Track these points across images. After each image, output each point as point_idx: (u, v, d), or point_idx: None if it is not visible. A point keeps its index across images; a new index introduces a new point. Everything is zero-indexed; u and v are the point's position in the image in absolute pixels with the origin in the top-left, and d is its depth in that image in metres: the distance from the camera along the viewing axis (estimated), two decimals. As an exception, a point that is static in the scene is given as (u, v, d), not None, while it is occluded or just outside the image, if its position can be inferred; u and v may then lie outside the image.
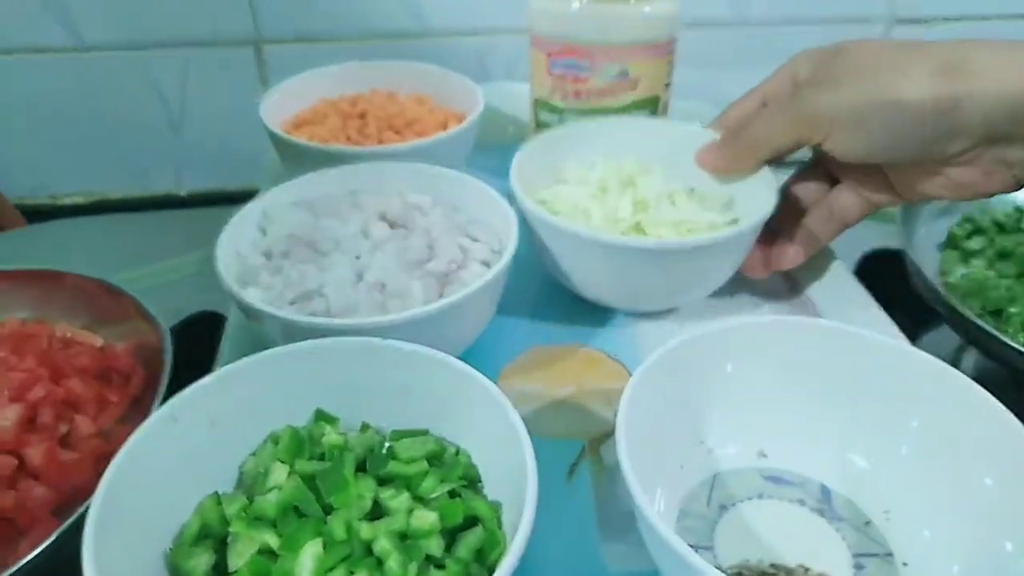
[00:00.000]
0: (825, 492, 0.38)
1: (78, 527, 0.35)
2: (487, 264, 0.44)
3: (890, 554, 0.35)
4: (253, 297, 0.41)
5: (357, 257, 0.43)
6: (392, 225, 0.47)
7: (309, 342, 0.36)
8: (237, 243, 0.45)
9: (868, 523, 0.36)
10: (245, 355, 0.36)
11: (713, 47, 0.80)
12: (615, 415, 0.42)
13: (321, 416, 0.37)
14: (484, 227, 0.46)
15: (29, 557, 0.33)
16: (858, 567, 0.35)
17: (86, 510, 0.35)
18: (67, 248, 0.70)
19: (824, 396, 0.38)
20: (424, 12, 0.75)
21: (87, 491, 0.35)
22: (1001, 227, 0.61)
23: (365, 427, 0.37)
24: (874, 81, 0.39)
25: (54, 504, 0.38)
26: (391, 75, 0.66)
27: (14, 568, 0.33)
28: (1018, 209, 0.62)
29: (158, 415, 0.33)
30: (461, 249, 0.45)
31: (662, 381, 0.36)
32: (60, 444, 0.40)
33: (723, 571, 0.34)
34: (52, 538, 0.34)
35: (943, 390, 0.35)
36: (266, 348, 0.36)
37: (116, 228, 0.75)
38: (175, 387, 0.41)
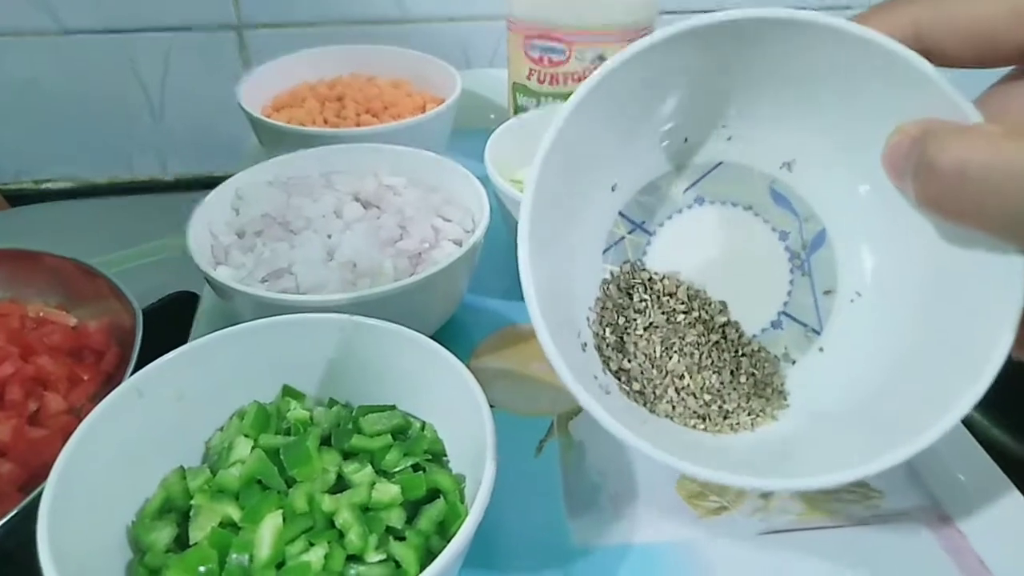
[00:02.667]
0: (818, 240, 0.33)
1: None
2: (459, 244, 0.44)
3: (817, 332, 0.33)
4: (224, 275, 0.41)
5: (329, 236, 0.44)
6: (365, 205, 0.47)
7: (276, 318, 0.36)
8: (210, 222, 0.45)
9: (829, 293, 0.33)
10: (219, 324, 0.36)
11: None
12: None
13: (288, 392, 0.37)
14: (457, 207, 0.46)
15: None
16: (774, 325, 0.33)
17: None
18: (50, 231, 0.70)
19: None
20: (406, -1, 0.75)
21: (56, 468, 0.36)
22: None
23: (332, 403, 0.37)
24: None
25: (21, 480, 0.38)
26: (370, 59, 0.66)
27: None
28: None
29: (122, 388, 0.33)
30: (433, 229, 0.45)
31: (596, 108, 0.29)
32: (29, 421, 0.40)
33: (646, 271, 0.33)
34: (13, 512, 0.34)
35: (920, 88, 0.27)
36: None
37: (99, 212, 0.74)
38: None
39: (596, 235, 0.33)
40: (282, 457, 0.32)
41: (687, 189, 0.34)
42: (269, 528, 0.30)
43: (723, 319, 0.33)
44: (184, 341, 0.45)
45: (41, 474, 0.38)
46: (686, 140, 0.33)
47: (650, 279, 0.33)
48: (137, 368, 0.40)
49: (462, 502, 0.32)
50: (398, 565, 0.30)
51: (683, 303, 0.33)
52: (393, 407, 0.36)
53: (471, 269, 0.43)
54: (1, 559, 0.38)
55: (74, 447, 0.30)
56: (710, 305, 0.33)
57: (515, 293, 0.50)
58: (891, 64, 0.26)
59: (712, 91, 0.31)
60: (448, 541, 0.29)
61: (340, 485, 0.32)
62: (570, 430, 0.41)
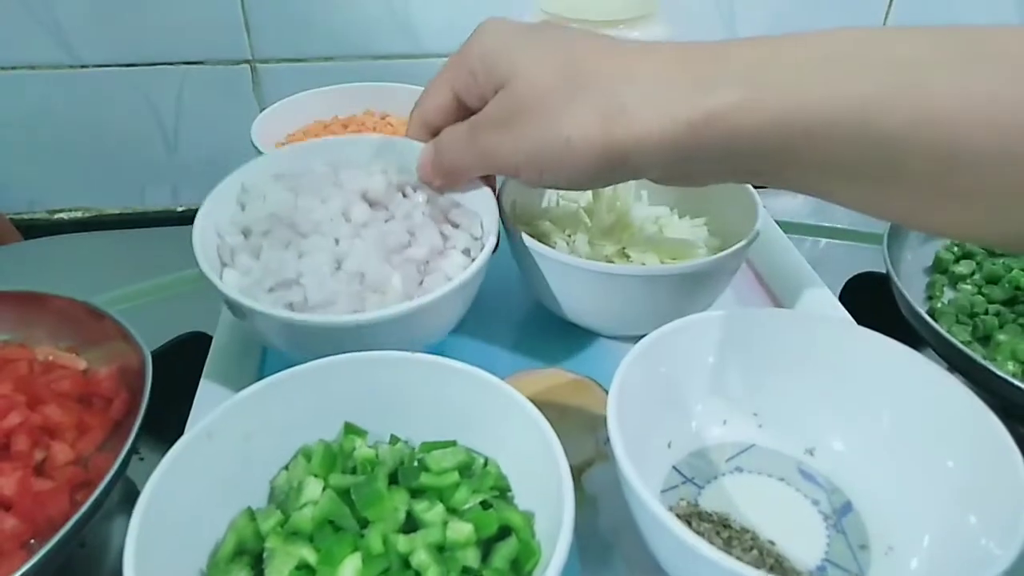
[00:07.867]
0: (845, 508, 0.38)
1: (47, 563, 0.34)
2: (468, 252, 0.44)
3: (864, 547, 0.36)
4: (231, 281, 0.40)
5: (337, 241, 0.43)
6: (372, 204, 0.45)
7: (336, 358, 0.35)
8: (216, 219, 0.44)
9: (864, 547, 0.36)
10: (231, 361, 0.35)
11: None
12: (600, 442, 0.42)
13: (350, 430, 0.36)
14: (466, 213, 0.45)
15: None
16: (820, 569, 0.35)
17: (56, 544, 0.35)
18: (62, 264, 0.70)
19: (814, 387, 0.40)
20: (419, 34, 0.75)
21: (61, 523, 0.35)
22: (990, 251, 0.59)
23: (394, 439, 0.37)
24: (542, 123, 0.36)
25: (26, 536, 0.37)
26: (384, 97, 0.66)
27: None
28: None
29: (195, 432, 0.32)
30: (442, 236, 0.44)
31: (650, 367, 0.37)
32: (36, 472, 0.40)
33: (700, 509, 0.37)
34: (18, 574, 0.33)
35: (915, 376, 0.37)
36: (250, 344, 0.35)
37: (112, 244, 0.75)
38: (158, 411, 0.41)
39: (655, 478, 0.39)
40: (353, 497, 0.32)
41: (728, 460, 0.40)
42: (350, 570, 0.30)
43: (776, 551, 0.36)
44: (195, 383, 0.45)
45: (46, 530, 0.37)
46: (725, 422, 0.42)
47: (708, 513, 0.38)
48: (147, 414, 0.40)
49: (533, 538, 0.32)
50: None
51: (738, 532, 0.37)
52: (455, 442, 0.35)
53: (477, 287, 0.43)
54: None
55: (152, 491, 0.30)
56: (759, 540, 0.36)
57: (527, 338, 0.51)
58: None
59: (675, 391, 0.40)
60: None
61: (410, 523, 0.32)
62: (583, 483, 0.40)
